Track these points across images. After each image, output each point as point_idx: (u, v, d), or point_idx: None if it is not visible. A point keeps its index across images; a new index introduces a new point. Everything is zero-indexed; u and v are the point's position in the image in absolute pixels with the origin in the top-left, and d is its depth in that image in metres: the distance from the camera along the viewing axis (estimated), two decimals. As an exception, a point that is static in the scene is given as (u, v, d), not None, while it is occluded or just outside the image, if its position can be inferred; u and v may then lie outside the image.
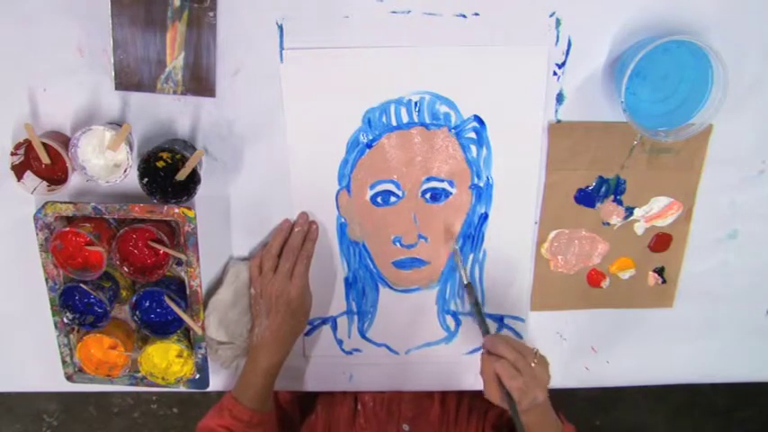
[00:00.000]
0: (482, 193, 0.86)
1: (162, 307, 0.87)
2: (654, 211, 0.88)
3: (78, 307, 0.87)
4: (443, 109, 0.81)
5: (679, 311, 0.95)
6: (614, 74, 0.78)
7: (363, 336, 0.95)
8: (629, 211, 0.88)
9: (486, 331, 0.83)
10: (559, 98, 0.81)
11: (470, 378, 0.96)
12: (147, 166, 0.79)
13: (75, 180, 0.83)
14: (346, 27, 0.78)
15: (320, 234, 0.88)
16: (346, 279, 0.91)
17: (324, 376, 0.97)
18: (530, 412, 0.77)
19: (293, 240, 0.86)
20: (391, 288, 0.92)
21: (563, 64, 0.79)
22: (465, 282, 0.88)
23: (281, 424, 0.95)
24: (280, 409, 1.00)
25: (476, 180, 0.86)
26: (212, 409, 0.87)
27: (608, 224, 0.89)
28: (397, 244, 0.89)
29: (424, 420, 0.96)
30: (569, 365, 0.97)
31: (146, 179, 0.79)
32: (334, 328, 0.95)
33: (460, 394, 1.00)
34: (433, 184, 0.85)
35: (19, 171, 0.80)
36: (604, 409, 1.79)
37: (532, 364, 0.77)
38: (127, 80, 0.79)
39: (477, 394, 0.98)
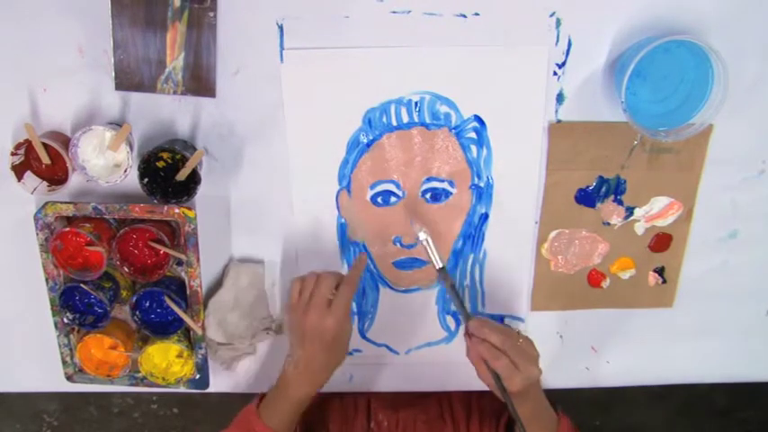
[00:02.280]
0: (482, 193, 0.86)
1: (162, 307, 0.87)
2: (654, 211, 0.88)
3: (78, 307, 0.87)
4: (443, 109, 0.81)
5: (679, 311, 0.94)
6: (614, 74, 0.78)
7: (363, 336, 0.95)
8: (630, 211, 0.88)
9: (466, 317, 0.79)
10: (559, 98, 0.81)
11: (471, 378, 0.95)
12: (148, 167, 0.79)
13: (75, 180, 0.83)
14: (346, 27, 0.78)
15: (320, 234, 0.88)
16: (346, 279, 0.91)
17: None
18: (525, 401, 0.75)
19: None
20: (391, 288, 0.92)
21: (563, 64, 0.79)
22: (437, 267, 0.81)
23: None
24: None
25: (476, 180, 0.85)
26: (234, 424, 0.83)
27: (608, 224, 0.89)
28: (398, 244, 0.88)
29: None
30: (569, 365, 0.97)
31: (146, 179, 0.79)
32: (335, 328, 0.94)
33: (468, 409, 0.97)
34: (434, 184, 0.85)
35: (19, 171, 0.80)
36: (604, 409, 1.79)
37: (519, 342, 0.76)
38: (127, 80, 0.79)
39: (484, 394, 0.96)
